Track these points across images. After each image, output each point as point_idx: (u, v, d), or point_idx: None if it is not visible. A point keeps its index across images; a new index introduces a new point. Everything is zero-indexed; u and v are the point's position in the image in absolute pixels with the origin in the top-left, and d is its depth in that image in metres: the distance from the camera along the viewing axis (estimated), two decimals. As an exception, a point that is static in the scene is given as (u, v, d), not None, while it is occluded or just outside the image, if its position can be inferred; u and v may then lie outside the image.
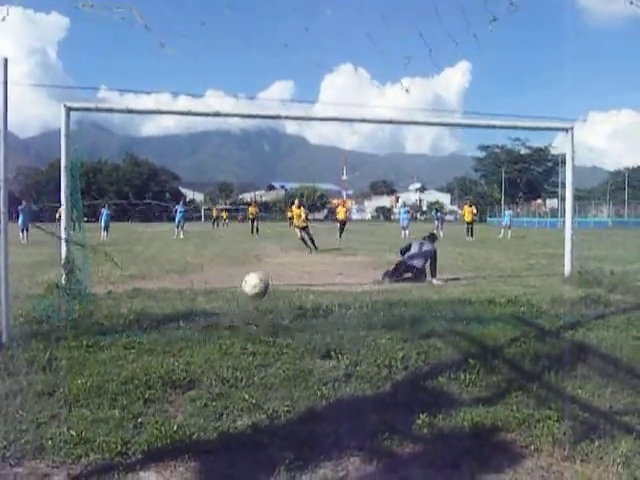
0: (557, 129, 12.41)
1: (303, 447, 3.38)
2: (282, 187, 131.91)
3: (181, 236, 30.70)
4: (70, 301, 7.37)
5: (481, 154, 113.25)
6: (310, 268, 14.38)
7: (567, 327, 6.64)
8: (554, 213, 74.70)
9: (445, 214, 52.20)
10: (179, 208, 33.35)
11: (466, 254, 19.17)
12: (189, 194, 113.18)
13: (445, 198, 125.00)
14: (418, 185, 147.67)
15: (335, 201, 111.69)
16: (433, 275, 11.57)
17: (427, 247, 11.91)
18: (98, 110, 9.78)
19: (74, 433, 3.50)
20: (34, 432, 3.55)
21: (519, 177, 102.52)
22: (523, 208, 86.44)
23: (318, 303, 7.95)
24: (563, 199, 41.84)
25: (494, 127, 12.10)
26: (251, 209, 39.85)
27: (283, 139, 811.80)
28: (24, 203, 27.27)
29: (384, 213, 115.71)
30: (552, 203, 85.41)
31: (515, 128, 12.38)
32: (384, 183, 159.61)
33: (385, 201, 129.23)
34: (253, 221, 37.78)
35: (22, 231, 25.53)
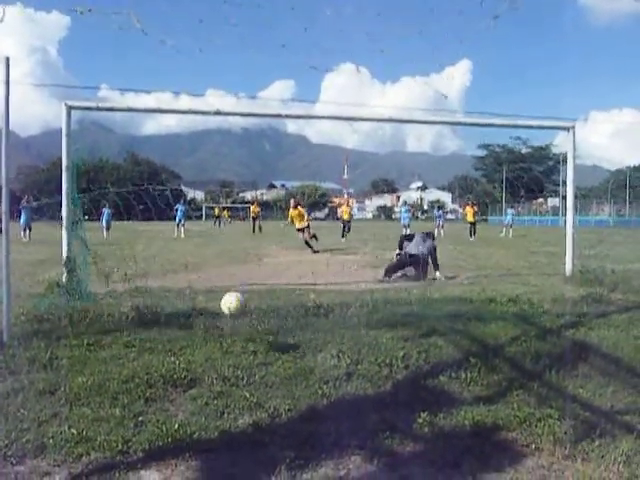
0: (558, 128, 12.40)
1: (304, 446, 3.38)
2: (283, 186, 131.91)
3: (182, 235, 30.64)
4: (71, 300, 7.38)
5: (482, 153, 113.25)
6: (311, 267, 14.36)
7: (568, 326, 6.64)
8: (555, 212, 74.67)
9: (446, 213, 52.18)
10: (179, 207, 33.29)
11: (467, 253, 19.17)
12: (190, 193, 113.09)
13: (446, 197, 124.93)
14: (419, 184, 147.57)
15: (336, 200, 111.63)
16: (436, 269, 11.76)
17: (428, 241, 12.02)
18: (99, 109, 9.77)
19: (75, 432, 3.50)
20: (35, 431, 3.56)
21: (520, 176, 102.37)
22: (524, 207, 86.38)
23: (319, 302, 7.94)
24: (564, 198, 41.84)
25: (495, 126, 12.08)
26: (253, 208, 40.08)
27: (284, 138, 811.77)
28: (25, 201, 27.25)
29: (385, 212, 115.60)
30: (553, 202, 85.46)
31: (516, 127, 12.35)
32: (385, 182, 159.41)
33: (386, 200, 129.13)
34: (255, 220, 37.93)
35: (24, 230, 25.49)
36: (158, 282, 10.57)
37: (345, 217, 28.72)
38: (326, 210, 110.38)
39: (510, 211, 38.56)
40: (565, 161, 14.02)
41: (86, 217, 9.55)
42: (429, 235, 12.44)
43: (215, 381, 4.52)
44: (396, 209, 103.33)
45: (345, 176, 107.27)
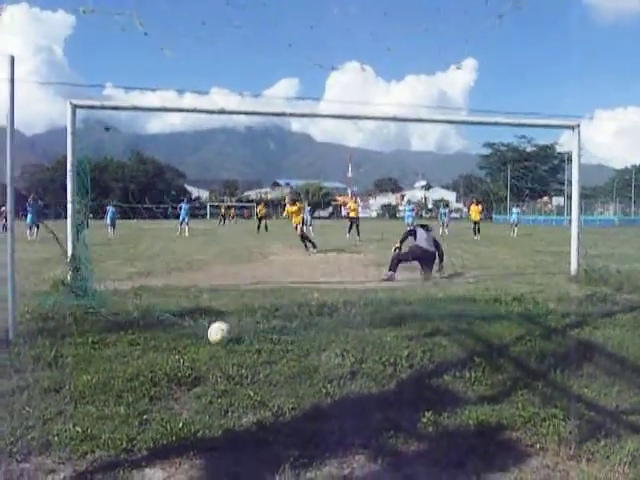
0: (563, 127, 12.38)
1: (308, 444, 3.38)
2: (287, 184, 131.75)
3: (186, 233, 30.66)
4: (76, 298, 7.39)
5: (487, 152, 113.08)
6: (315, 265, 14.38)
7: (573, 325, 6.63)
8: (560, 211, 74.50)
9: (451, 212, 51.99)
10: (183, 205, 33.34)
11: (471, 252, 19.14)
12: (194, 191, 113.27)
13: (451, 196, 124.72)
14: (424, 183, 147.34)
15: (340, 198, 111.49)
16: (442, 260, 12.06)
17: (431, 234, 12.25)
18: (104, 108, 9.78)
19: (80, 429, 3.51)
20: (40, 428, 3.57)
21: (525, 175, 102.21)
22: (529, 206, 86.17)
23: (323, 301, 7.95)
24: (569, 197, 41.73)
25: (501, 124, 12.05)
26: (259, 209, 40.33)
27: (288, 136, 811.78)
28: (32, 200, 27.26)
29: (389, 211, 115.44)
30: (558, 201, 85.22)
31: (521, 126, 12.31)
32: (389, 180, 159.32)
33: (390, 199, 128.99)
34: (261, 220, 38.08)
35: (30, 228, 25.50)
36: (163, 280, 10.60)
37: (352, 215, 27.92)
38: (330, 209, 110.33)
39: (515, 210, 38.47)
40: (570, 160, 13.98)
41: (91, 215, 9.58)
42: (427, 228, 12.51)
43: (219, 380, 4.52)
44: (400, 208, 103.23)
45: (349, 175, 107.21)
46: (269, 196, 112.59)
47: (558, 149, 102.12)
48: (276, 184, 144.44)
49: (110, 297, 8.20)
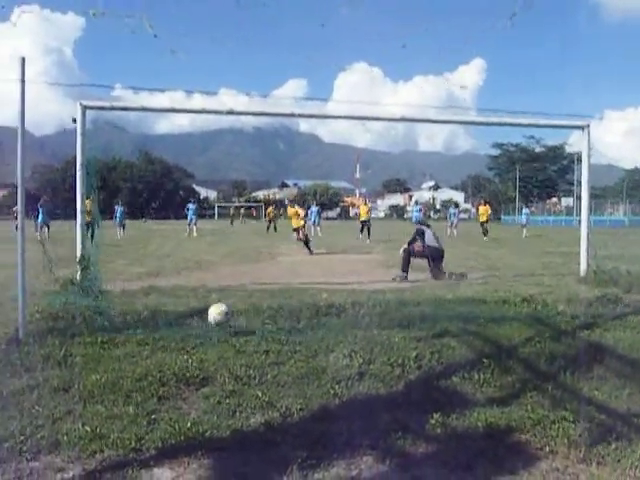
0: (573, 127, 12.32)
1: (316, 445, 3.38)
2: (295, 185, 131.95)
3: (194, 234, 30.70)
4: (85, 298, 7.42)
5: (495, 152, 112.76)
6: (324, 266, 14.39)
7: (583, 327, 6.58)
8: (569, 211, 74.21)
9: (460, 212, 51.71)
10: (190, 206, 33.36)
11: (480, 253, 19.09)
12: (202, 192, 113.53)
13: (459, 196, 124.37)
14: (432, 183, 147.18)
15: (348, 199, 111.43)
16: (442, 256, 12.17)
17: (434, 233, 12.38)
18: (113, 109, 9.82)
19: (89, 429, 3.52)
20: (50, 427, 3.58)
21: (534, 175, 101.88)
22: (538, 206, 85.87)
23: (331, 301, 7.94)
24: (578, 197, 41.48)
25: (510, 125, 12.02)
26: (269, 210, 40.74)
27: (296, 137, 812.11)
28: (44, 201, 27.35)
29: (397, 211, 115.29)
30: (567, 201, 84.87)
31: (530, 126, 12.24)
32: (397, 181, 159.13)
33: (398, 199, 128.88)
34: (270, 221, 38.31)
35: (41, 228, 25.57)
36: (171, 280, 10.63)
37: (363, 217, 27.30)
38: (338, 209, 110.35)
39: (525, 211, 38.29)
40: (579, 160, 13.94)
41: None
42: (429, 226, 12.72)
43: (227, 380, 4.52)
44: (408, 208, 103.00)
45: (357, 175, 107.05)
46: (277, 196, 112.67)
47: (567, 149, 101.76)
48: (284, 184, 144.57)
49: (119, 297, 8.24)
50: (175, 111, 11.44)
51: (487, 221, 30.27)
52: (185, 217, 34.14)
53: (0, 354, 5.21)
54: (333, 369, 4.83)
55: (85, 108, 9.02)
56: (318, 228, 32.75)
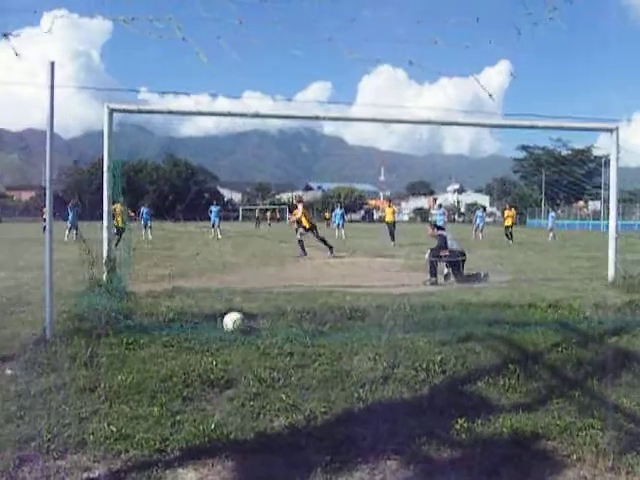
0: (601, 130, 12.15)
1: (340, 449, 3.37)
2: (319, 188, 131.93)
3: (219, 236, 30.83)
4: (111, 299, 7.49)
5: (521, 155, 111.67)
6: (348, 269, 14.37)
7: (611, 333, 6.49)
8: (596, 215, 73.11)
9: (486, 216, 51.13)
10: (213, 208, 33.48)
11: (506, 257, 18.91)
12: (227, 194, 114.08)
13: (484, 199, 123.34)
14: (456, 186, 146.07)
15: (372, 202, 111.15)
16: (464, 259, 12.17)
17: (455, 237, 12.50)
18: (140, 112, 9.92)
19: (114, 429, 3.56)
20: (76, 426, 3.62)
21: (560, 178, 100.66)
22: (564, 210, 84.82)
23: (355, 305, 7.94)
24: (606, 201, 40.87)
25: (537, 128, 11.88)
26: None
27: (320, 140, 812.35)
28: (72, 204, 27.64)
29: (422, 214, 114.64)
30: (594, 205, 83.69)
31: (558, 129, 12.15)
32: (422, 184, 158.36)
33: (423, 202, 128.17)
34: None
35: (69, 229, 25.85)
36: (196, 282, 10.70)
37: (389, 219, 26.72)
38: (362, 212, 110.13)
39: (551, 214, 37.89)
40: (608, 163, 13.73)
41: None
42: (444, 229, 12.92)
43: (251, 382, 4.54)
44: (432, 212, 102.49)
45: (382, 178, 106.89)
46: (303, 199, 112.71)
47: (595, 152, 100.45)
48: (308, 187, 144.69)
49: (144, 298, 8.31)
50: (201, 114, 11.50)
51: (512, 225, 29.99)
52: (209, 219, 34.33)
53: (28, 354, 5.29)
54: (357, 372, 4.83)
55: (112, 111, 9.12)
56: (342, 231, 32.69)
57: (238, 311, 6.90)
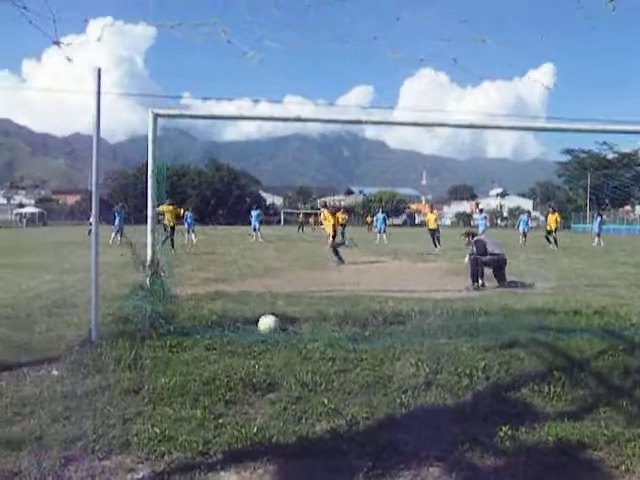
0: (648, 133, 11.83)
1: (382, 455, 3.35)
2: (360, 192, 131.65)
3: (260, 239, 31.04)
4: (155, 302, 7.60)
5: (565, 158, 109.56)
6: (390, 274, 14.31)
7: (659, 341, 6.30)
8: (644, 220, 71.29)
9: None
10: (253, 212, 33.71)
11: (551, 262, 18.57)
12: (269, 198, 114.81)
13: (527, 203, 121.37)
14: (499, 190, 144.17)
15: (414, 206, 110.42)
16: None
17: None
18: (183, 116, 10.01)
19: (158, 430, 3.60)
20: (121, 428, 3.68)
21: (606, 182, 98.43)
22: (610, 214, 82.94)
23: (397, 309, 7.89)
24: (655, 206, 39.76)
25: (582, 131, 11.63)
26: (339, 215, 40.61)
27: (362, 143, 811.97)
28: (119, 208, 28.12)
29: (464, 219, 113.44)
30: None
31: (604, 132, 11.86)
32: (464, 188, 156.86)
33: (465, 207, 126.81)
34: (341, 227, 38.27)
35: (116, 233, 26.30)
36: (238, 286, 10.78)
37: (431, 225, 25.95)
38: (403, 216, 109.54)
39: (598, 219, 37.00)
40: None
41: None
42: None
43: (294, 386, 4.55)
44: (475, 216, 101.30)
45: (424, 182, 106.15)
46: (342, 203, 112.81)
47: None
48: (350, 191, 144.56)
49: (187, 302, 8.41)
50: (242, 118, 11.55)
51: (556, 230, 29.34)
52: (250, 223, 34.58)
53: (74, 355, 5.40)
54: (399, 378, 4.80)
55: (157, 116, 9.26)
56: (384, 235, 32.59)
57: (277, 315, 6.94)
